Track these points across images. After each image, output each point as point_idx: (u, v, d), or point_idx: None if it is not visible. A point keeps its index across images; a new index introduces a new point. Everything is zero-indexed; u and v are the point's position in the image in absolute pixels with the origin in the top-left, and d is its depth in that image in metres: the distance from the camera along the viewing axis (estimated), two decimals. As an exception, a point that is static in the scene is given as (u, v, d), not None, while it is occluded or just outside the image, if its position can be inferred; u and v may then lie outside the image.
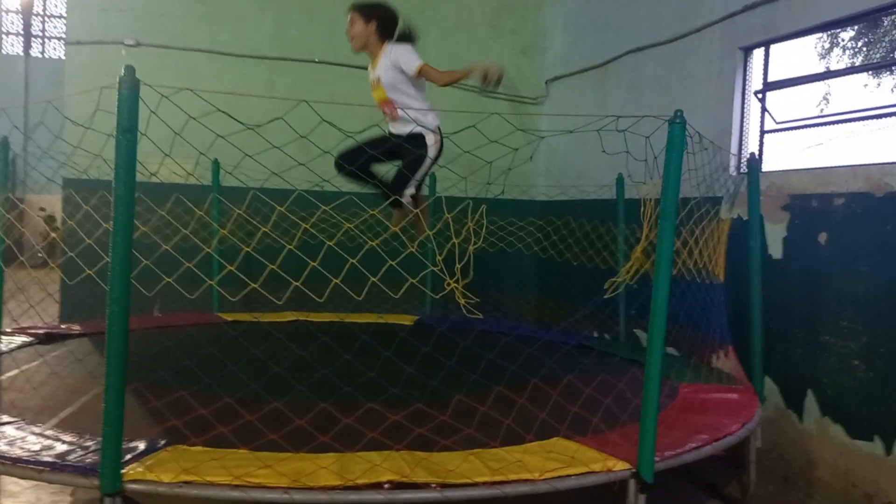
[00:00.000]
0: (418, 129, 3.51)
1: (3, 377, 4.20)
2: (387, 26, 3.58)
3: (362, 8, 3.51)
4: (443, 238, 3.43)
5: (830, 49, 7.02)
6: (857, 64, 4.79)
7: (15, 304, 4.80)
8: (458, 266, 2.92)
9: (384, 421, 3.10)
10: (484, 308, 6.87)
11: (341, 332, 3.97)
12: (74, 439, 3.03)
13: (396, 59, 3.41)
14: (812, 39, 5.03)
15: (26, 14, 18.67)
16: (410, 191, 3.52)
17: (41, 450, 2.89)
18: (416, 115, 3.48)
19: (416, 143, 3.50)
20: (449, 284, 3.12)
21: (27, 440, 3.02)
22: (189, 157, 3.46)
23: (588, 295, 5.11)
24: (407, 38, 3.79)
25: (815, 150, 4.97)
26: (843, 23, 4.63)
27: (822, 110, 5.27)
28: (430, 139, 3.50)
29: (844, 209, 4.39)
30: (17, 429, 3.17)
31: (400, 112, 3.50)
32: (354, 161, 3.53)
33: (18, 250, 4.24)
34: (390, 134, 3.65)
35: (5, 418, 3.33)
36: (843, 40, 7.08)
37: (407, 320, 6.68)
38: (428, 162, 3.49)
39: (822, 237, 4.52)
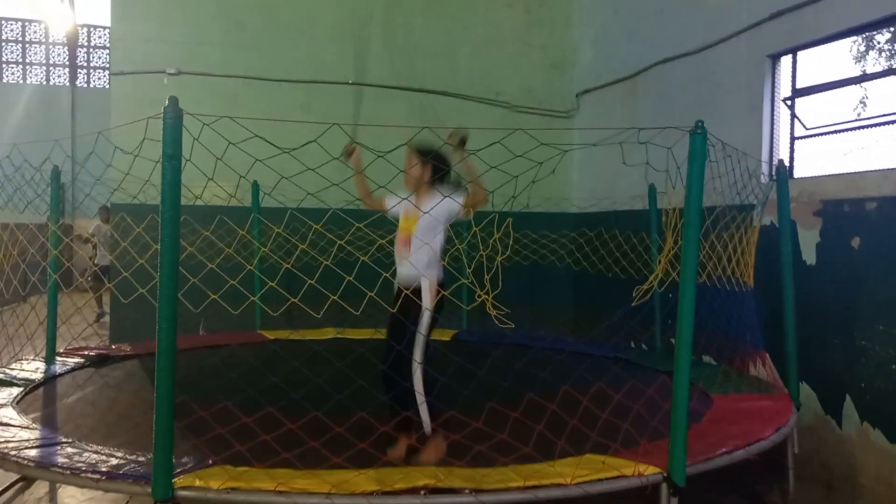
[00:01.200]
0: (417, 279, 3.71)
1: (61, 396, 4.41)
2: (439, 173, 3.87)
3: (421, 152, 3.82)
4: (476, 252, 3.54)
5: (866, 52, 6.97)
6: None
7: (65, 328, 5.04)
8: (487, 278, 3.02)
9: (420, 429, 3.20)
10: (520, 321, 6.96)
11: (378, 346, 4.09)
12: (128, 451, 3.19)
13: (449, 210, 3.65)
14: (847, 43, 5.02)
15: (72, 46, 19.38)
16: (419, 349, 3.59)
17: (98, 461, 3.06)
18: (420, 260, 3.69)
19: (416, 308, 3.65)
20: (479, 296, 3.22)
21: (85, 453, 3.19)
22: (230, 180, 3.62)
23: (623, 305, 5.15)
24: (456, 184, 4.03)
25: (851, 156, 4.96)
26: (870, 27, 4.64)
27: (859, 114, 5.26)
28: (426, 290, 3.66)
29: (877, 213, 4.38)
30: (75, 443, 3.35)
31: (410, 255, 3.72)
32: (393, 365, 3.69)
33: (69, 276, 4.44)
34: (396, 291, 3.82)
35: (64, 434, 3.51)
36: (878, 43, 7.02)
37: (445, 335, 6.77)
38: (424, 328, 3.62)
39: (856, 241, 4.51)
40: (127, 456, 3.13)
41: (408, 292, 3.58)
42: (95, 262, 9.93)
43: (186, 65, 7.41)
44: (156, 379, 2.68)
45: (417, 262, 3.72)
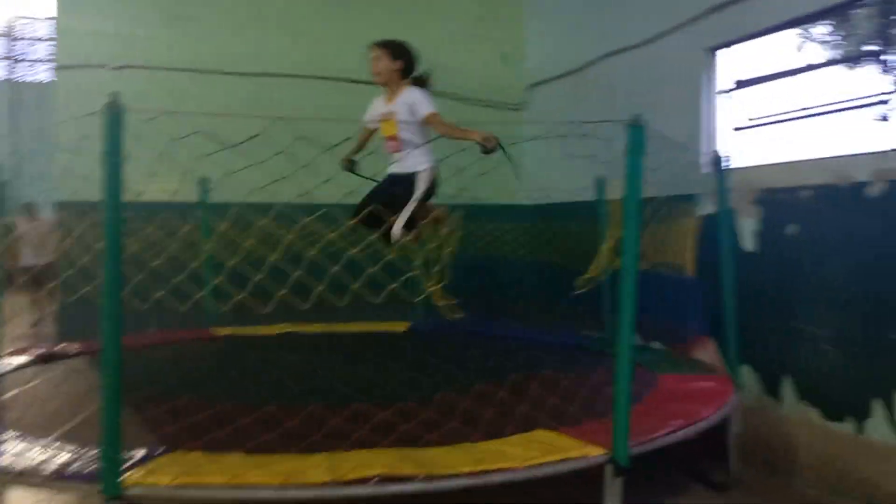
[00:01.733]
0: (414, 168, 3.76)
1: (7, 394, 4.32)
2: (409, 66, 3.87)
3: (389, 45, 3.80)
4: (428, 243, 3.60)
5: (804, 44, 7.20)
6: (833, 57, 4.96)
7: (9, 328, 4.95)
8: (435, 269, 3.09)
9: (372, 419, 3.25)
10: (475, 311, 7.02)
11: (334, 340, 4.13)
12: (77, 449, 3.16)
13: (413, 101, 3.67)
14: (787, 35, 5.18)
15: (11, 38, 18.82)
16: (399, 225, 3.71)
17: (46, 460, 3.02)
18: (416, 154, 3.74)
19: (408, 185, 3.73)
20: (428, 288, 3.28)
21: (32, 452, 3.14)
22: (177, 175, 3.60)
23: (571, 293, 5.27)
24: (423, 81, 4.04)
25: (790, 145, 5.13)
26: (807, 20, 4.80)
27: (798, 105, 5.43)
28: (422, 180, 3.74)
29: (812, 201, 4.56)
30: (22, 442, 3.30)
31: (404, 155, 3.76)
32: (363, 210, 3.77)
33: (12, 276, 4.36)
34: (389, 175, 3.90)
35: (10, 433, 3.45)
36: (817, 35, 7.25)
37: (400, 327, 6.81)
38: (413, 202, 3.73)
39: (792, 228, 4.69)
40: (75, 455, 3.10)
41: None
42: (20, 263, 9.62)
43: (133, 58, 7.28)
44: (102, 376, 2.67)
45: (413, 158, 3.75)
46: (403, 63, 3.80)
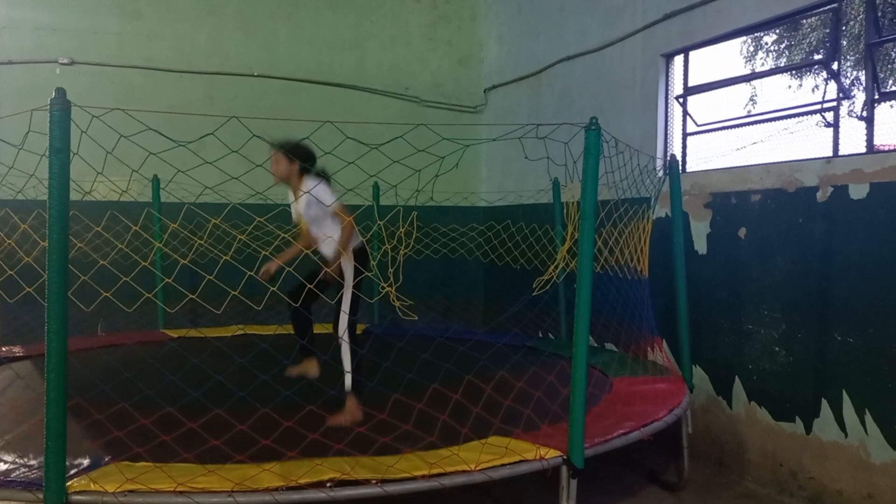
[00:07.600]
0: (338, 263, 3.86)
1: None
2: (305, 163, 3.95)
3: (284, 147, 3.86)
4: (383, 245, 3.57)
5: (755, 52, 7.37)
6: (781, 65, 5.08)
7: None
8: (391, 270, 3.06)
9: (324, 422, 3.20)
10: (432, 312, 7.00)
11: (288, 342, 4.06)
12: (20, 458, 3.06)
13: (316, 192, 3.71)
14: (737, 44, 5.29)
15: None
16: (343, 324, 3.77)
17: (-15, 469, 2.92)
18: (332, 248, 3.87)
19: (335, 275, 3.80)
20: (383, 289, 3.25)
21: (-29, 461, 3.03)
22: (128, 174, 3.50)
23: (526, 295, 5.29)
24: (322, 176, 4.11)
25: (742, 151, 5.23)
26: (756, 28, 4.90)
27: (749, 111, 5.55)
28: (347, 267, 3.80)
29: (760, 205, 4.66)
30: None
31: (321, 239, 3.85)
32: (296, 297, 3.86)
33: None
34: (318, 260, 3.97)
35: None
36: (766, 44, 7.43)
37: (356, 329, 6.74)
38: (348, 292, 3.78)
39: (742, 232, 4.78)
40: (17, 462, 3.00)
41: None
42: None
43: (81, 54, 7.09)
44: (46, 380, 2.58)
45: (329, 247, 3.82)
46: (299, 162, 3.92)
